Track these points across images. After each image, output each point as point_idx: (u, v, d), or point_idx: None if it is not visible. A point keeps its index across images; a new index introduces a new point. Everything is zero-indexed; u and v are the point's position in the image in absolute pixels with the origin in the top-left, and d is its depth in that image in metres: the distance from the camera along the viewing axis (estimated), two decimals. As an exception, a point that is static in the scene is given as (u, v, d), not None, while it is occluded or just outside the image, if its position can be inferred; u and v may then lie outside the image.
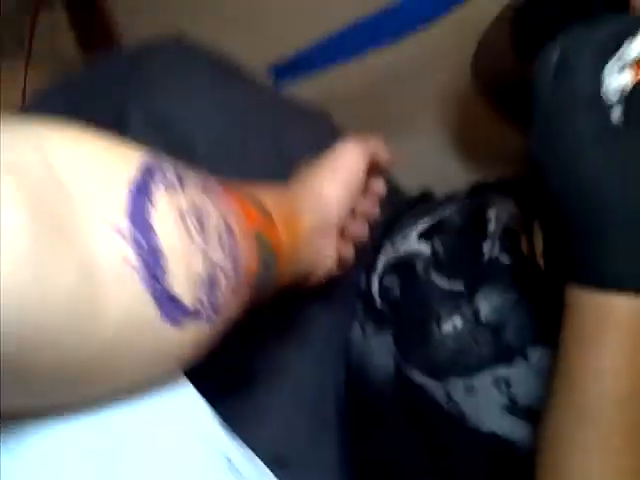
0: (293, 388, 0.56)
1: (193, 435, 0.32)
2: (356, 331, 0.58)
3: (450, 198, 0.65)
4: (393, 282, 0.58)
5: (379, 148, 0.51)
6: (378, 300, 0.58)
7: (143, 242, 0.27)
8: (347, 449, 0.56)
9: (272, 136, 0.59)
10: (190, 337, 0.30)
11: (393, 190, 0.68)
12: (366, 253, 0.58)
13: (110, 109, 0.55)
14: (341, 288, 0.58)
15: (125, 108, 0.54)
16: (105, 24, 1.13)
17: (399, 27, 0.72)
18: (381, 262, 0.60)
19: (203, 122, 0.55)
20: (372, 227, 0.54)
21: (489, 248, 0.54)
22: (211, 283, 0.30)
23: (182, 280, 0.29)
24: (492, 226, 0.56)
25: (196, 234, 0.29)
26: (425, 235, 0.58)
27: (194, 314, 0.30)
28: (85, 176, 0.26)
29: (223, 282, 0.31)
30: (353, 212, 0.49)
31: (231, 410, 0.38)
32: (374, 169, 0.52)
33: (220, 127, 0.56)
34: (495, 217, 0.56)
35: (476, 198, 0.61)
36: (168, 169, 0.29)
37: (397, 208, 0.65)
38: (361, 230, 0.51)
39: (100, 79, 0.59)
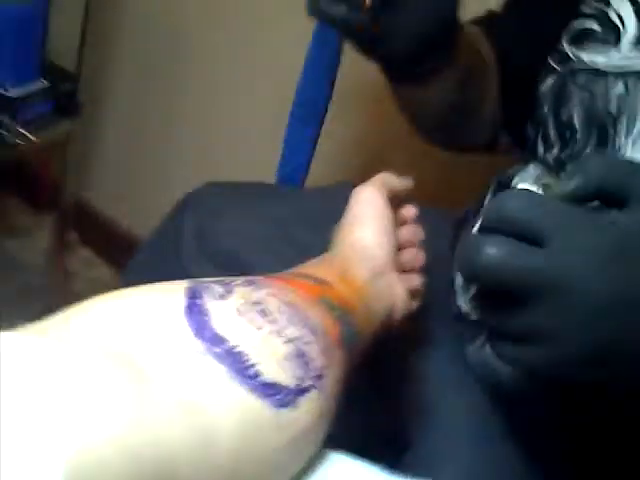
0: (446, 427, 0.56)
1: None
2: (472, 349, 0.59)
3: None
4: (476, 287, 0.58)
5: (391, 179, 0.52)
6: (473, 311, 0.59)
7: (219, 351, 0.29)
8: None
9: (311, 227, 0.63)
10: (308, 412, 0.32)
11: (439, 215, 0.69)
12: (443, 283, 0.59)
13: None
14: (437, 330, 0.59)
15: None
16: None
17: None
18: (458, 278, 0.61)
19: (248, 234, 0.63)
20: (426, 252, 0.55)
21: None
22: (298, 355, 0.32)
23: (271, 365, 0.31)
24: None
25: (263, 322, 0.32)
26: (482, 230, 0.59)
27: (299, 390, 0.31)
28: (148, 327, 0.29)
29: (308, 350, 0.33)
30: (400, 245, 0.51)
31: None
32: (398, 200, 0.52)
33: (264, 232, 0.63)
34: None
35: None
36: (210, 284, 0.33)
37: (455, 227, 0.66)
38: (414, 257, 0.52)
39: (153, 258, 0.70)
